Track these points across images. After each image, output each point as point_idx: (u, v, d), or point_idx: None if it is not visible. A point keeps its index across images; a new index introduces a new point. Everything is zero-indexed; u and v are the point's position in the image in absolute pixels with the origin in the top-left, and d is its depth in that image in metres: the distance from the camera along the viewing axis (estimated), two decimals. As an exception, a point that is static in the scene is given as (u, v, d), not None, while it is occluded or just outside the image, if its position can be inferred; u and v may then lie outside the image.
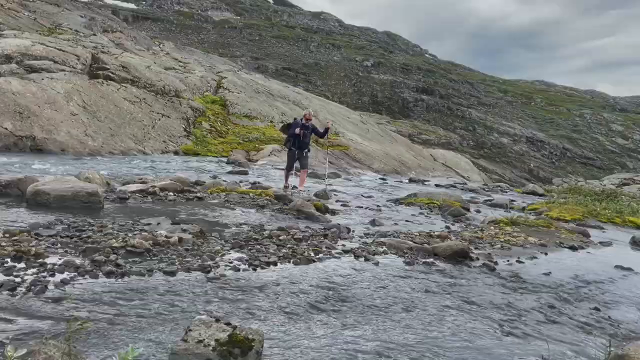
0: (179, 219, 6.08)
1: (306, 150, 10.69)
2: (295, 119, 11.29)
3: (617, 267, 6.10)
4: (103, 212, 6.16)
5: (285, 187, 10.45)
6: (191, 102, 21.41)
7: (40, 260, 3.85)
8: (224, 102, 24.30)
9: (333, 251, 5.26)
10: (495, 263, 5.57)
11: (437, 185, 17.87)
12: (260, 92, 27.65)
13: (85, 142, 14.68)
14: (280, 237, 5.53)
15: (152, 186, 8.05)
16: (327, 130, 11.17)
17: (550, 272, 5.38)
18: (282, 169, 16.89)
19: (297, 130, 10.35)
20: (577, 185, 25.01)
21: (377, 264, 4.98)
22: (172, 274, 3.89)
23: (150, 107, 18.87)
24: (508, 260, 5.79)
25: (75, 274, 3.63)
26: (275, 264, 4.53)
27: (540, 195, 17.05)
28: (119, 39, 28.82)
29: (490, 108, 76.43)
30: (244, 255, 4.65)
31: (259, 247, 5.06)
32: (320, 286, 4.06)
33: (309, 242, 5.60)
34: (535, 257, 6.18)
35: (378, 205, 9.75)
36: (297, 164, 10.94)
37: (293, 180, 11.12)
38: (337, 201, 9.71)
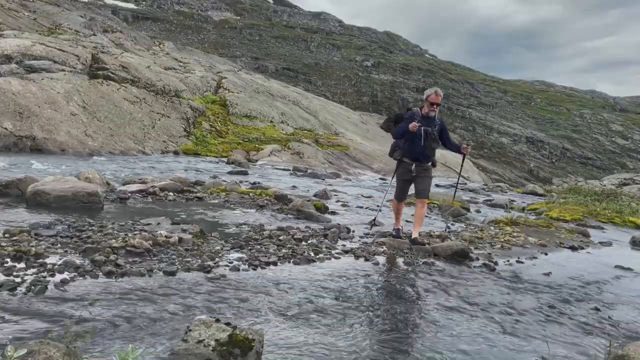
0: (179, 219, 6.08)
1: (429, 164, 6.25)
2: (410, 109, 6.36)
3: (617, 267, 6.10)
4: (103, 212, 6.16)
5: (396, 233, 6.34)
6: (191, 102, 21.40)
7: (40, 260, 3.85)
8: (224, 102, 24.31)
9: (333, 251, 5.25)
10: (495, 263, 5.57)
11: (437, 185, 17.87)
12: (260, 92, 27.66)
13: (85, 142, 14.67)
14: (280, 237, 5.53)
15: (152, 186, 8.05)
16: (461, 152, 6.26)
17: (550, 272, 5.38)
18: (282, 169, 16.92)
19: (412, 126, 5.85)
20: (577, 185, 25.02)
21: (377, 264, 4.98)
22: (172, 274, 3.89)
23: (150, 107, 18.86)
24: (508, 260, 5.79)
25: (75, 274, 3.62)
26: (275, 264, 4.53)
27: (540, 195, 17.05)
28: (119, 39, 28.82)
29: (490, 108, 76.49)
30: (243, 256, 4.65)
31: (258, 247, 5.06)
32: (321, 286, 4.06)
33: (309, 242, 5.60)
34: (535, 257, 6.18)
35: (378, 205, 9.75)
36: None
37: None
38: (337, 201, 9.71)
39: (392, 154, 6.52)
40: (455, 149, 6.33)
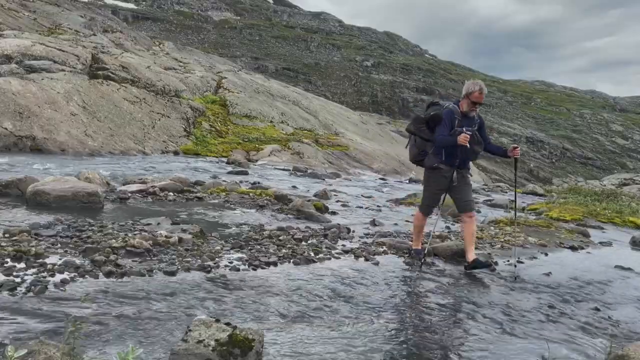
0: (179, 219, 6.08)
1: (466, 169, 5.32)
2: (437, 102, 5.46)
3: (617, 267, 6.10)
4: (103, 212, 6.16)
5: (416, 254, 5.37)
6: (191, 102, 21.40)
7: (40, 260, 3.85)
8: (224, 102, 24.30)
9: (333, 251, 5.25)
10: (495, 263, 5.56)
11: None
12: (260, 92, 27.65)
13: (85, 142, 14.67)
14: (280, 237, 5.53)
15: (152, 186, 8.05)
16: (507, 155, 5.23)
17: (550, 272, 5.38)
18: (282, 169, 16.90)
19: (462, 139, 4.82)
20: (577, 185, 25.04)
21: (377, 264, 4.98)
22: (172, 274, 3.89)
23: (150, 107, 18.86)
24: (508, 261, 5.79)
25: (75, 274, 3.63)
26: (275, 264, 4.53)
27: (540, 195, 17.05)
28: (119, 39, 28.81)
29: (490, 108, 76.51)
30: (243, 256, 4.65)
31: (258, 247, 5.06)
32: (320, 286, 4.06)
33: (309, 242, 5.60)
34: (535, 257, 6.18)
35: (378, 205, 9.75)
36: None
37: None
38: (337, 201, 9.71)
39: (415, 159, 5.45)
40: (499, 151, 5.37)
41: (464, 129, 4.95)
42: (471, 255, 5.11)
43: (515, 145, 5.17)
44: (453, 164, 5.11)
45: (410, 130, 5.46)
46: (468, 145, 4.90)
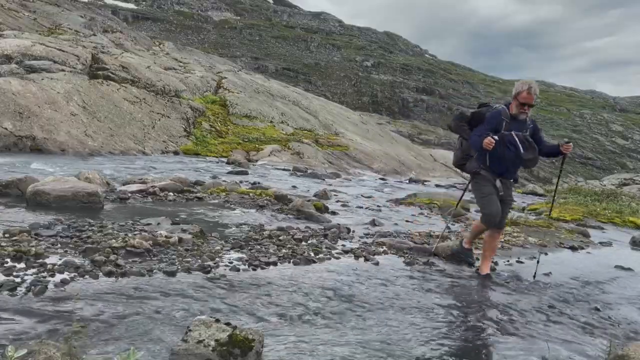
0: (179, 219, 6.08)
1: (512, 180, 4.95)
2: (486, 104, 5.00)
3: (617, 267, 6.11)
4: (103, 212, 6.16)
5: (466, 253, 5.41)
6: (191, 102, 21.40)
7: (40, 260, 3.85)
8: (224, 102, 24.31)
9: (333, 251, 5.25)
10: (495, 263, 5.57)
11: (437, 186, 17.90)
12: (260, 92, 27.65)
13: (85, 142, 14.67)
14: (280, 238, 5.53)
15: (152, 186, 8.05)
16: (561, 152, 4.74)
17: (550, 272, 5.38)
18: (282, 169, 16.90)
19: (487, 143, 4.47)
20: (577, 185, 25.03)
21: (377, 264, 4.98)
22: (172, 274, 3.89)
23: (150, 107, 18.87)
24: (508, 261, 5.79)
25: (75, 274, 3.63)
26: (275, 264, 4.53)
27: (540, 195, 17.06)
28: (119, 39, 28.81)
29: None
30: (243, 256, 4.65)
31: (258, 247, 5.06)
32: (320, 286, 4.06)
33: (309, 242, 5.60)
34: (535, 257, 6.17)
35: (378, 205, 9.75)
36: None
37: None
38: (337, 201, 9.71)
39: (458, 162, 5.12)
40: (554, 150, 4.80)
41: (513, 133, 4.60)
42: (485, 269, 5.02)
43: (568, 140, 4.77)
44: (496, 171, 4.71)
45: (450, 127, 5.14)
46: (515, 144, 4.58)
